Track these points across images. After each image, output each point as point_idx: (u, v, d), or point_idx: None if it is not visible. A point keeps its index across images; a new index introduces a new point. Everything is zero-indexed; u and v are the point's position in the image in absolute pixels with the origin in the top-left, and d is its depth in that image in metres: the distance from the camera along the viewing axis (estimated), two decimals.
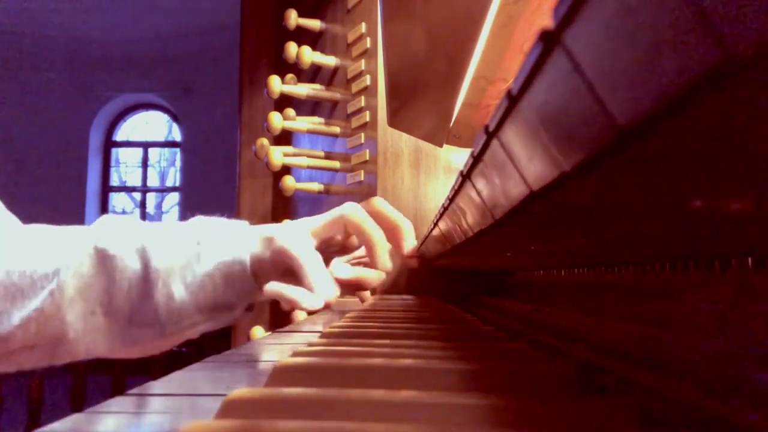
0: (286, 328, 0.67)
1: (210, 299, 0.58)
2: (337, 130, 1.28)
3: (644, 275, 0.37)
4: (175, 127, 5.38)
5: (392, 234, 0.66)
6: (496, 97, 0.71)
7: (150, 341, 0.58)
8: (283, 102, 1.44)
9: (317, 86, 1.33)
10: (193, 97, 4.99)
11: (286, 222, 0.66)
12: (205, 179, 4.80)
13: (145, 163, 5.50)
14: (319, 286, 0.56)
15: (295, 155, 1.31)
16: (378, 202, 0.67)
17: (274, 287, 0.57)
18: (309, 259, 0.58)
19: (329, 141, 1.34)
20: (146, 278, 0.56)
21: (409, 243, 0.67)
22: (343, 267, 0.67)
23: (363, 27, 1.20)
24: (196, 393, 0.31)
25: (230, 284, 0.58)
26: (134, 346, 0.58)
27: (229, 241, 0.59)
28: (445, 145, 0.86)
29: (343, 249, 0.67)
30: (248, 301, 0.61)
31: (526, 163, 0.18)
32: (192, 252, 0.58)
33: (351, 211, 0.62)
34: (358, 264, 0.70)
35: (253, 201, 1.66)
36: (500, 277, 0.94)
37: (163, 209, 5.62)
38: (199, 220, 0.63)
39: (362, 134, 1.17)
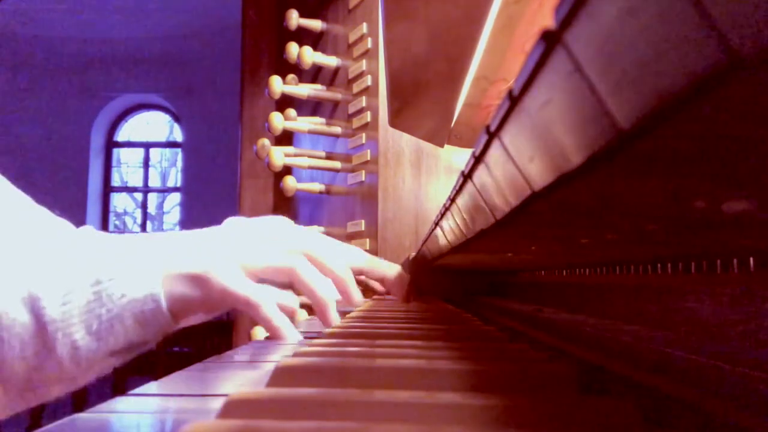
0: None
1: (122, 342, 0.50)
2: (338, 130, 1.28)
3: (646, 276, 0.37)
4: (177, 128, 5.38)
5: (340, 288, 0.61)
6: (497, 98, 0.71)
7: (57, 392, 0.51)
8: (285, 102, 1.44)
9: (318, 86, 1.33)
10: (195, 98, 5.00)
11: (206, 243, 0.56)
12: (207, 179, 4.81)
13: (146, 164, 5.50)
14: (280, 331, 0.52)
15: (296, 155, 1.31)
16: (322, 255, 0.59)
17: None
18: (263, 303, 0.52)
19: (330, 141, 1.34)
20: (41, 332, 0.48)
21: (355, 298, 0.62)
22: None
23: (364, 27, 1.20)
24: (198, 393, 0.31)
25: (143, 324, 0.50)
26: (37, 400, 0.51)
27: (138, 275, 0.50)
28: (446, 146, 0.86)
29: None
30: (164, 335, 0.53)
31: (527, 164, 0.18)
32: (91, 293, 0.49)
33: (302, 267, 0.55)
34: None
35: (254, 201, 1.66)
36: (501, 278, 0.94)
37: (165, 209, 5.62)
38: (107, 246, 0.53)
39: (363, 134, 1.17)
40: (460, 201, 0.35)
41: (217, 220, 0.62)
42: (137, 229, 5.40)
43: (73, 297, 0.49)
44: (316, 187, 1.33)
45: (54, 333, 0.48)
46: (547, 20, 0.13)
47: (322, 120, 1.33)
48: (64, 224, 0.57)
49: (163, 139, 5.55)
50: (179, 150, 5.38)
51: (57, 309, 0.48)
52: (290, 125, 1.30)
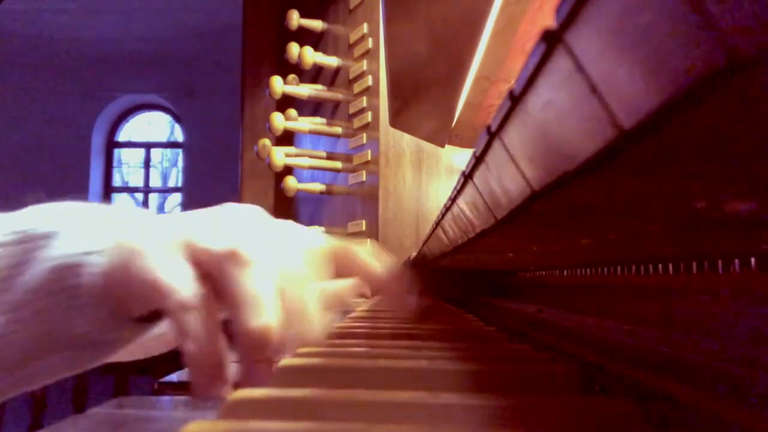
0: None
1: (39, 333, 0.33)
2: (338, 130, 1.28)
3: (646, 276, 0.37)
4: (178, 128, 5.38)
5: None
6: (498, 98, 0.71)
7: None
8: (285, 102, 1.44)
9: (319, 87, 1.33)
10: (196, 98, 5.00)
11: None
12: (208, 180, 4.80)
13: (147, 164, 5.50)
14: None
15: (297, 155, 1.31)
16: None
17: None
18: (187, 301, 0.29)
19: (331, 141, 1.34)
20: None
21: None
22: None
23: (365, 27, 1.20)
24: None
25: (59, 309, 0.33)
26: None
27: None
28: (446, 146, 0.86)
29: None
30: (126, 332, 0.34)
31: (528, 164, 0.18)
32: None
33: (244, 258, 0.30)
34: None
35: (255, 201, 1.66)
36: (502, 278, 0.94)
37: (166, 210, 5.62)
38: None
39: (364, 135, 1.17)
40: (461, 201, 0.35)
41: None
42: None
43: None
44: (317, 187, 1.33)
45: None
46: (548, 20, 0.13)
47: (323, 120, 1.33)
48: None
49: (164, 139, 5.55)
50: (180, 150, 5.37)
51: None
52: (291, 125, 1.30)
